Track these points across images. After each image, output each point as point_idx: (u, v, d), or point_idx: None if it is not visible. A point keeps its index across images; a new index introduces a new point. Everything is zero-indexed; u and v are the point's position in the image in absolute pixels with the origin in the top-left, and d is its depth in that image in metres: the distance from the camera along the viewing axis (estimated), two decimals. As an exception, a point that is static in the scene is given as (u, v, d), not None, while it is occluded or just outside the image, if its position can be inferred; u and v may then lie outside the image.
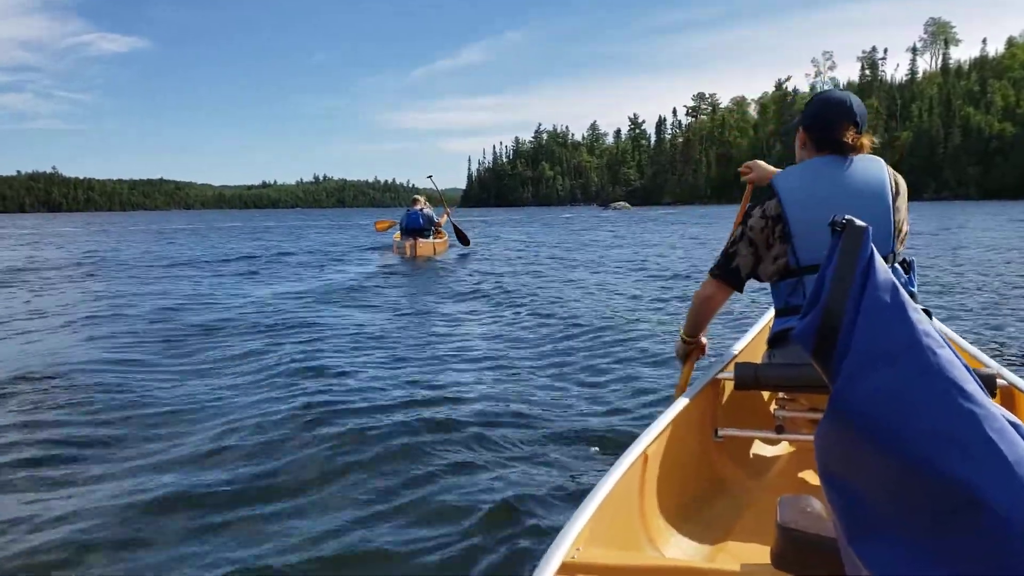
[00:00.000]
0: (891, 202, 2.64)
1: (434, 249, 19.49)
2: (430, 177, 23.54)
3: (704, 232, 31.37)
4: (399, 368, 6.42)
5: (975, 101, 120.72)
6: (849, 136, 2.66)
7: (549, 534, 1.61)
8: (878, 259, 0.86)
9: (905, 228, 2.74)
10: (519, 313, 9.90)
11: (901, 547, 0.79)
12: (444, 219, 20.87)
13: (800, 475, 3.01)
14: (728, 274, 2.83)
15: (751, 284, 2.89)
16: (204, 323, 8.88)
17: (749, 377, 2.68)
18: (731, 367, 2.91)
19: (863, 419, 0.81)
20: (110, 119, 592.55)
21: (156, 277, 15.39)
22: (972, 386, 0.81)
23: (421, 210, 19.57)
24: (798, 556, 1.40)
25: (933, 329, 0.83)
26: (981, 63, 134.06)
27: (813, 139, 2.75)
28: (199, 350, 7.31)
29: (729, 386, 3.06)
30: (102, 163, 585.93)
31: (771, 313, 3.62)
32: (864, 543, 0.83)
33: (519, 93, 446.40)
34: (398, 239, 20.13)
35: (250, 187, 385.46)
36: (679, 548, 2.29)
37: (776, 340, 2.81)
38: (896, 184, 2.70)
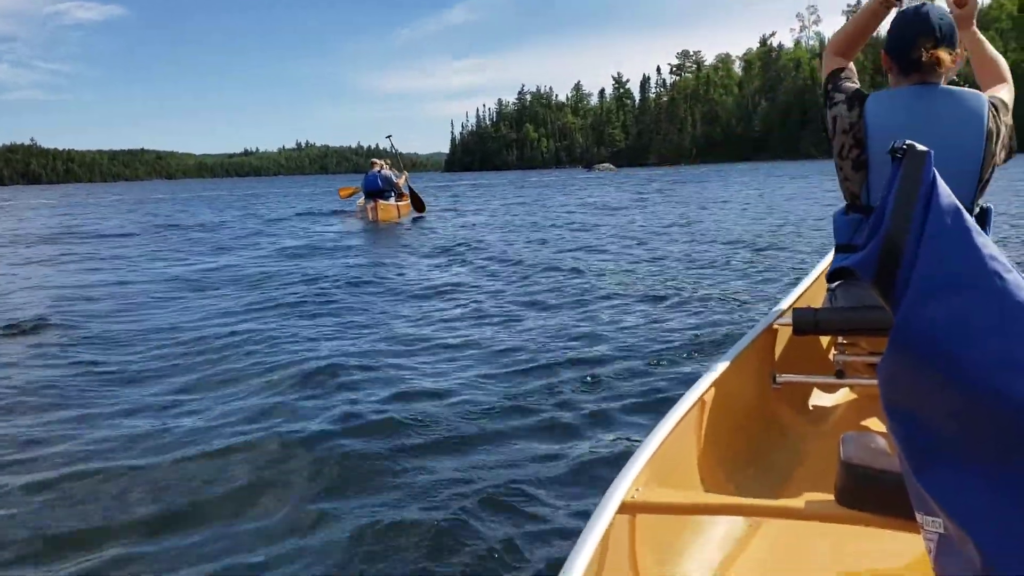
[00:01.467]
0: (983, 149, 2.42)
1: (397, 212, 19.62)
2: (389, 137, 23.74)
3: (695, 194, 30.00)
4: (427, 326, 6.65)
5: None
6: (926, 53, 2.44)
7: (607, 477, 1.69)
8: (941, 184, 0.82)
9: (988, 176, 2.50)
10: (520, 271, 9.80)
11: (969, 478, 0.78)
12: (403, 180, 20.47)
13: (861, 421, 2.93)
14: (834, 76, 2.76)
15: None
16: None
17: (808, 322, 2.62)
18: (789, 313, 2.86)
19: (927, 348, 0.80)
20: (90, 89, 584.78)
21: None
22: None
23: (380, 172, 19.39)
24: (862, 491, 1.42)
25: (1000, 254, 0.81)
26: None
27: (895, 63, 2.57)
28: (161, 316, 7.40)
29: (787, 332, 2.97)
30: (82, 134, 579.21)
31: (829, 257, 3.62)
32: (930, 475, 0.82)
33: (503, 54, 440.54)
34: (361, 204, 20.21)
35: (232, 155, 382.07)
36: (738, 491, 2.25)
37: (834, 276, 2.75)
38: (997, 126, 2.45)
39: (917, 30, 2.46)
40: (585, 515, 1.57)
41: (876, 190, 2.50)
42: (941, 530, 0.81)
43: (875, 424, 2.78)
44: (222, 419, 4.13)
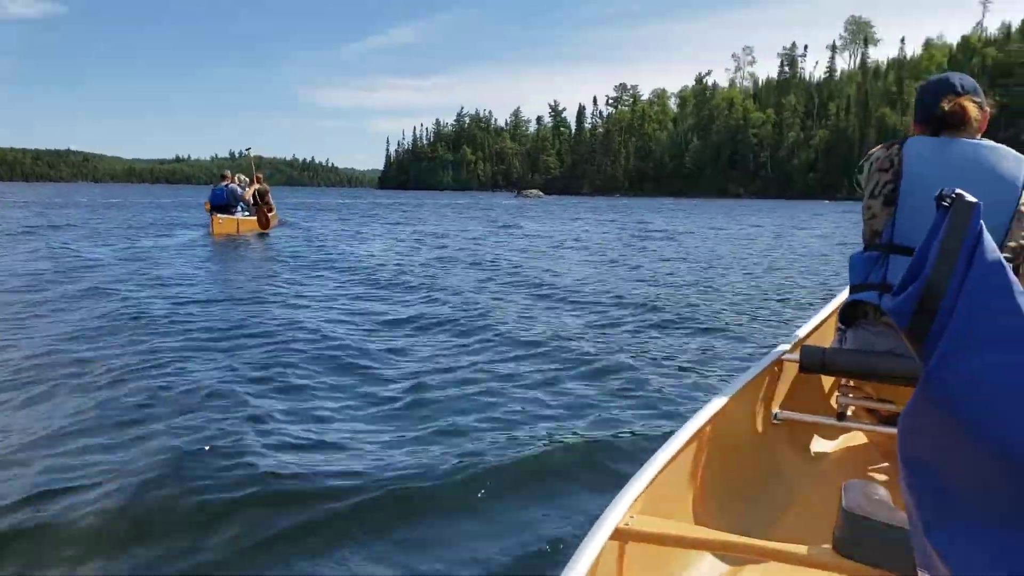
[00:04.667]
0: (1011, 212, 2.42)
1: (237, 227, 19.07)
2: (248, 150, 23.49)
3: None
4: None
5: (892, 102, 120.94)
6: (949, 102, 2.53)
7: (602, 504, 1.69)
8: (987, 237, 0.82)
9: (1016, 237, 2.47)
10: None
11: (980, 540, 0.75)
12: (250, 192, 20.03)
13: (858, 465, 2.95)
14: None
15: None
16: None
17: (816, 360, 2.62)
18: (796, 349, 2.86)
19: (956, 403, 0.77)
20: (21, 87, 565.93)
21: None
22: None
23: (227, 186, 19.26)
24: (862, 542, 1.41)
25: None
26: (899, 64, 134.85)
27: (924, 126, 2.64)
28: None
29: (792, 368, 2.97)
30: (9, 132, 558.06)
31: (842, 296, 3.60)
32: (941, 533, 0.79)
33: (447, 75, 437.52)
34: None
35: (164, 161, 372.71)
36: (732, 526, 2.22)
37: (847, 312, 2.76)
38: None
39: (938, 90, 2.56)
40: (577, 540, 1.59)
41: (900, 228, 2.53)
42: None
43: (873, 471, 2.77)
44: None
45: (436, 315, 7.71)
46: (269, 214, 21.05)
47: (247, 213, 19.82)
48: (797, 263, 14.68)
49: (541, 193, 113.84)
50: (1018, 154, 2.48)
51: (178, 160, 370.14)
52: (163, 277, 10.33)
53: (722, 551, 1.79)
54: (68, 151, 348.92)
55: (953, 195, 0.84)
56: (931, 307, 0.80)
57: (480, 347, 6.29)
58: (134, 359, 5.52)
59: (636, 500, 1.73)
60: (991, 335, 0.76)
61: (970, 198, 0.84)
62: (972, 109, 2.52)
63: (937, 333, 0.80)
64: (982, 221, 0.82)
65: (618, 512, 1.65)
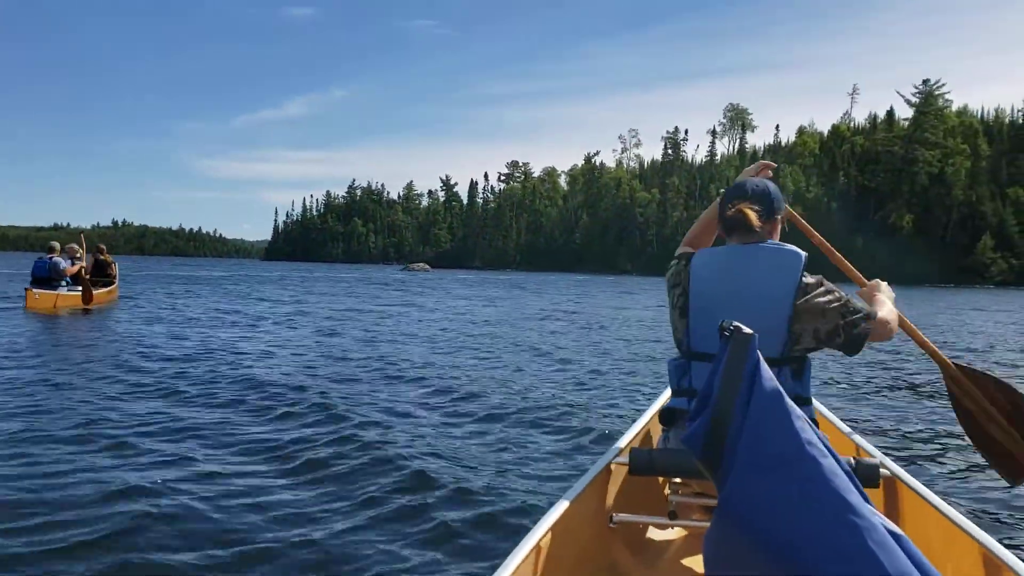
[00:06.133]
0: (790, 306, 2.52)
1: (55, 303, 17.48)
2: (81, 234, 21.08)
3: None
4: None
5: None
6: (733, 208, 2.67)
7: None
8: (764, 367, 0.88)
9: (800, 329, 2.55)
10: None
11: None
12: (76, 269, 18.47)
13: (692, 562, 3.00)
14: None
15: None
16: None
17: (644, 463, 2.72)
18: (626, 452, 2.95)
19: (749, 524, 0.83)
20: None
21: None
22: (855, 497, 0.83)
23: (51, 258, 17.77)
24: None
25: (816, 437, 0.86)
26: (775, 148, 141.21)
27: (720, 225, 2.82)
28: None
29: (623, 471, 3.06)
30: None
31: (665, 395, 3.72)
32: None
33: (342, 148, 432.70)
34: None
35: (40, 229, 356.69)
36: None
37: (663, 416, 2.87)
38: (810, 283, 2.55)
39: (733, 194, 2.73)
40: None
41: (694, 336, 2.67)
42: None
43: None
44: None
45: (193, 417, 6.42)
46: (108, 288, 19.67)
47: (65, 289, 18.16)
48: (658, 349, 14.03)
49: (428, 267, 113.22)
50: (795, 250, 2.57)
51: (56, 228, 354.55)
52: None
53: None
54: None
55: (732, 327, 0.88)
56: (719, 435, 0.86)
57: (290, 468, 5.07)
58: None
59: None
60: (774, 461, 0.82)
61: (747, 330, 0.87)
62: (751, 216, 2.60)
63: (728, 459, 0.85)
64: (759, 352, 0.86)
65: None
